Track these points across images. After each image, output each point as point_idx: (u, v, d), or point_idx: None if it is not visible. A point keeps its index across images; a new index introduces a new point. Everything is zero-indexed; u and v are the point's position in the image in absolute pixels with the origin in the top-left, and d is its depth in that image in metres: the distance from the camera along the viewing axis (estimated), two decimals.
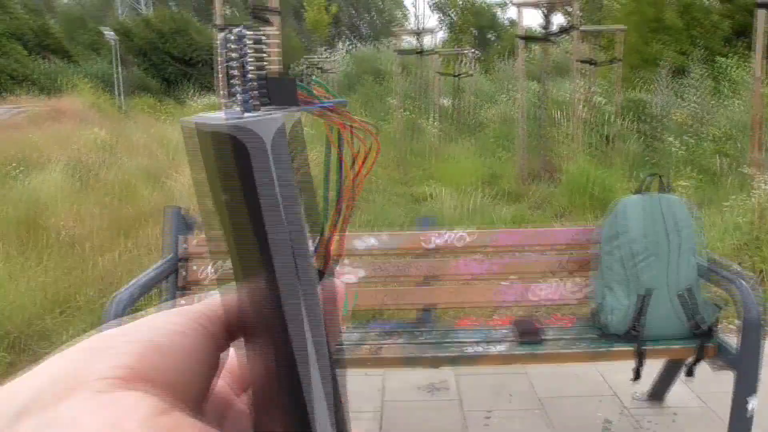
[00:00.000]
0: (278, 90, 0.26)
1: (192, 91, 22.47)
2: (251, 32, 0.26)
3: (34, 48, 27.06)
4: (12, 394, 0.21)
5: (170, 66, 29.07)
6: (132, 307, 1.81)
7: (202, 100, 18.66)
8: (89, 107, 14.90)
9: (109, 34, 21.94)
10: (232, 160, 0.23)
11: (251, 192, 0.23)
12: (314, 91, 0.28)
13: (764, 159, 4.69)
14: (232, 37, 0.25)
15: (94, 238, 4.09)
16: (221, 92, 0.26)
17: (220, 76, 0.26)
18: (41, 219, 4.36)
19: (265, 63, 0.26)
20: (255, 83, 0.26)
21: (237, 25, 0.26)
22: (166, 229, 2.15)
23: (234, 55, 0.25)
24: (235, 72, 0.25)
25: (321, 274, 0.28)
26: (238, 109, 0.25)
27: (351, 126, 0.29)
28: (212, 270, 2.17)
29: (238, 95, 0.25)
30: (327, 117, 0.28)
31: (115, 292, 1.84)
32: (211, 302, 0.27)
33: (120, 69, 21.59)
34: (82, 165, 6.09)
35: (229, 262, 0.27)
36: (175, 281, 2.12)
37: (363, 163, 0.29)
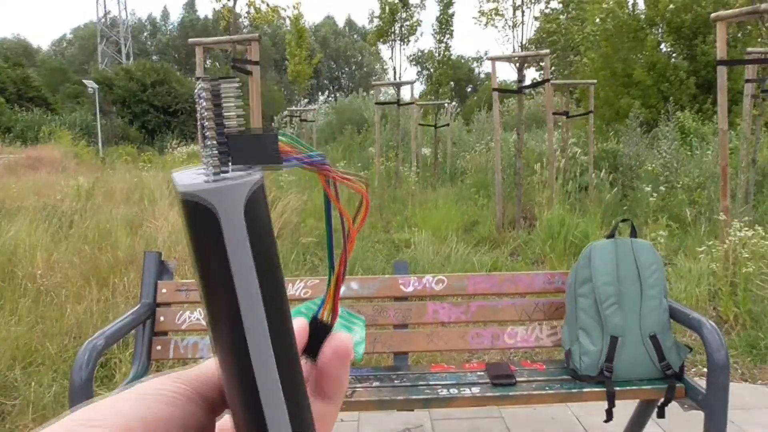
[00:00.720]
0: (251, 146, 0.24)
1: (172, 140, 22.61)
2: (210, 85, 0.24)
3: (15, 99, 27.13)
4: None
5: (151, 115, 29.25)
6: (105, 353, 1.79)
7: (182, 150, 18.78)
8: (68, 156, 14.87)
9: (90, 84, 22.10)
10: (201, 228, 0.22)
11: (223, 261, 0.22)
12: (283, 149, 0.26)
13: (735, 207, 4.84)
14: (198, 92, 0.24)
15: (70, 286, 4.04)
16: (201, 147, 0.25)
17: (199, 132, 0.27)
18: (17, 268, 4.30)
19: (231, 118, 0.24)
20: (220, 141, 0.24)
21: (209, 78, 0.25)
22: (145, 274, 2.15)
23: (201, 111, 0.24)
24: (205, 130, 0.24)
25: (329, 327, 0.28)
26: (209, 168, 0.24)
27: (334, 181, 0.27)
28: (199, 316, 2.17)
29: (203, 156, 0.24)
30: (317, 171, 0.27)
31: (89, 338, 1.82)
32: (206, 366, 0.26)
33: (100, 118, 21.65)
34: (59, 213, 6.06)
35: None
36: (152, 327, 2.11)
37: (353, 221, 0.28)
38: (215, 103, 0.24)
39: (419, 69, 34.28)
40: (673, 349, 2.04)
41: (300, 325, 0.28)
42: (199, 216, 0.22)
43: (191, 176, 0.23)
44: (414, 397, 1.95)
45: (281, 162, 0.25)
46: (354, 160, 12.40)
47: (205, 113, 0.24)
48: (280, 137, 0.26)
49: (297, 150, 0.26)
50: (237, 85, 0.25)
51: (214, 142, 0.24)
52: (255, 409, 0.23)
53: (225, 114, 0.24)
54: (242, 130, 0.24)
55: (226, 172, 0.23)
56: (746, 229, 4.19)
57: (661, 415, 2.01)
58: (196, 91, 0.25)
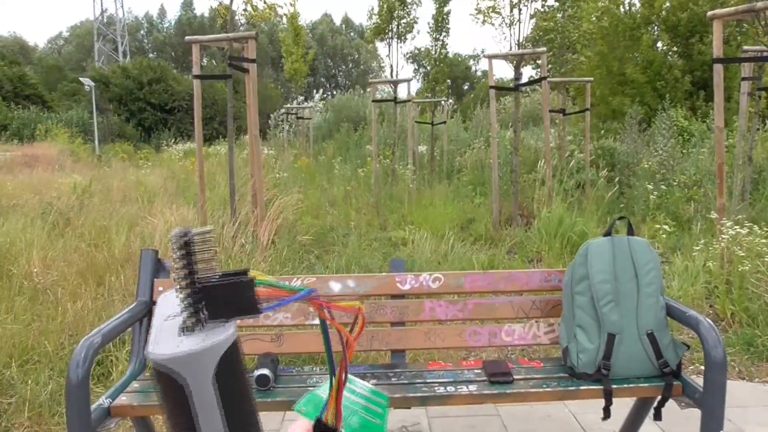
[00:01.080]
0: (227, 296, 0.22)
1: (169, 137, 22.62)
2: (179, 235, 0.22)
3: (11, 97, 27.08)
4: None
5: (147, 113, 29.19)
6: (102, 350, 1.79)
7: (179, 147, 18.78)
8: (64, 154, 14.82)
9: (86, 82, 22.05)
10: (171, 393, 0.21)
11: (192, 423, 0.21)
12: (262, 294, 0.25)
13: (731, 205, 4.84)
14: (173, 244, 0.22)
15: (67, 284, 4.03)
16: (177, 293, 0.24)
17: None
18: (13, 266, 4.29)
19: (205, 269, 0.22)
20: (193, 293, 0.22)
21: (181, 231, 0.22)
22: (141, 272, 2.14)
23: (177, 264, 0.22)
24: (179, 283, 0.22)
25: (333, 430, 0.30)
26: (183, 324, 0.21)
27: (329, 309, 0.29)
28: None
29: (180, 305, 0.22)
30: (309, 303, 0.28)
31: (85, 336, 1.81)
32: None
33: (96, 116, 21.61)
34: (55, 210, 6.04)
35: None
36: (148, 324, 2.11)
37: (349, 336, 0.31)
38: (186, 252, 0.22)
39: (416, 66, 34.28)
40: (671, 347, 2.04)
41: (305, 429, 0.30)
42: (170, 383, 0.21)
43: (170, 328, 0.21)
44: (411, 394, 1.95)
45: (260, 311, 0.24)
46: (350, 157, 12.38)
47: (178, 264, 0.22)
48: (258, 282, 0.24)
49: (278, 291, 0.25)
50: (209, 232, 0.23)
51: (187, 295, 0.22)
52: None
53: (197, 265, 0.22)
54: (215, 282, 0.22)
55: (200, 327, 0.22)
56: (737, 227, 4.20)
57: (657, 417, 2.01)
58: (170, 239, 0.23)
